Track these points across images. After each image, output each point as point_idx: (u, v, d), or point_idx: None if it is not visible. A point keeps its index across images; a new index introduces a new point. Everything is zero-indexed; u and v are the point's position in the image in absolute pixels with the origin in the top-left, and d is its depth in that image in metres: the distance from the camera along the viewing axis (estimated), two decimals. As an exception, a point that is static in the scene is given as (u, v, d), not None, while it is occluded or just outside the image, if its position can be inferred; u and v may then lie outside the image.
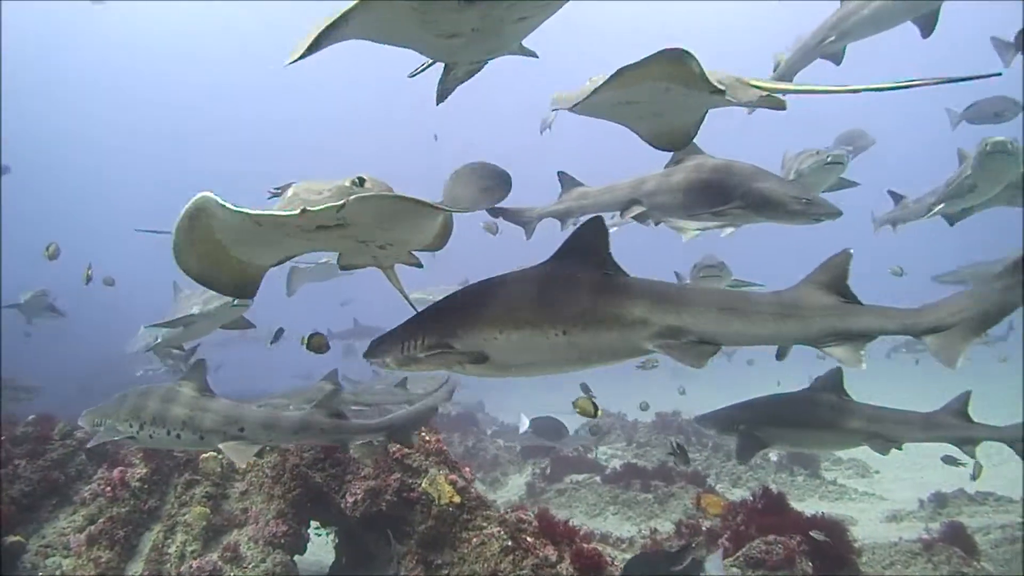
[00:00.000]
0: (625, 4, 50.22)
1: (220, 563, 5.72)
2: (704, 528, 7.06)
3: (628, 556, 6.37)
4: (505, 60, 3.78)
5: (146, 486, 6.44)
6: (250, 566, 5.74)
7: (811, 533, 5.70)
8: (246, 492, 6.62)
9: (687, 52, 3.40)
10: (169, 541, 6.01)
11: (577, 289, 3.19)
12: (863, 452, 12.82)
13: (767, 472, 11.58)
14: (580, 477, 11.62)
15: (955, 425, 5.37)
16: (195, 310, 7.39)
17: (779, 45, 7.86)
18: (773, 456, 12.49)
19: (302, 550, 6.33)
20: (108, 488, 6.31)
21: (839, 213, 4.74)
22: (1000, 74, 3.59)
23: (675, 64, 3.50)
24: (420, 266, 4.15)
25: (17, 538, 5.91)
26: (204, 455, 6.83)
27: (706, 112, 4.38)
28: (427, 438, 6.19)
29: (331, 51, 3.16)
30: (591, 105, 4.05)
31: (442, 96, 3.85)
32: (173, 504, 6.34)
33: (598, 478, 11.35)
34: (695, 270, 7.24)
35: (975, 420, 5.50)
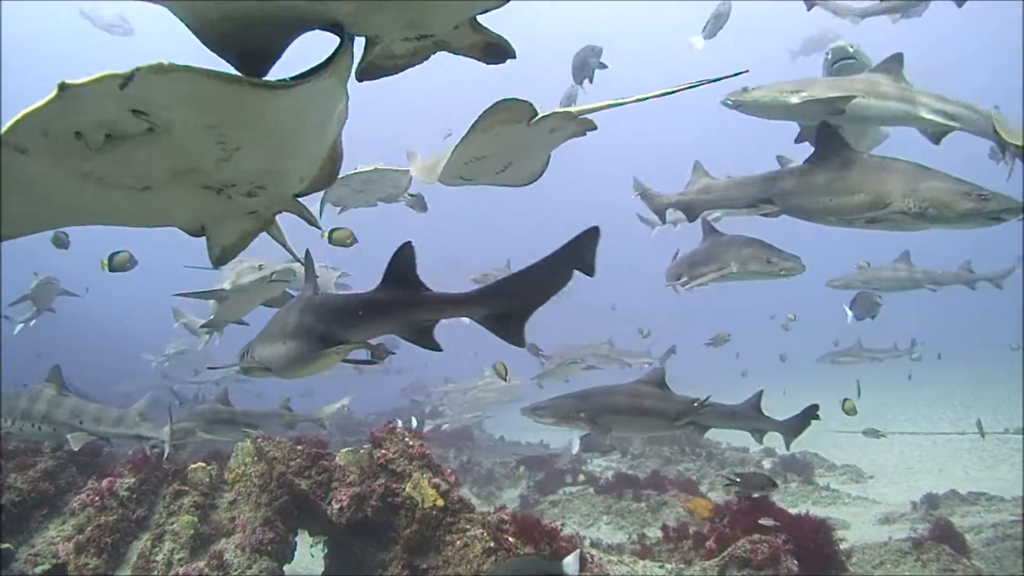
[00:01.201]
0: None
1: (207, 570, 5.77)
2: (691, 532, 7.09)
3: (613, 558, 6.39)
4: (522, 55, 3.23)
5: (134, 495, 6.51)
6: (236, 572, 5.78)
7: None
8: (234, 502, 6.67)
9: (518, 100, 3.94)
10: (157, 549, 6.05)
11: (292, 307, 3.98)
12: (857, 458, 12.98)
13: (761, 480, 11.57)
14: (573, 489, 11.64)
15: (751, 417, 5.90)
16: (226, 285, 7.15)
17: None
18: (766, 464, 12.53)
19: (289, 558, 6.36)
20: (96, 498, 6.37)
21: (1021, 208, 4.34)
22: (747, 71, 3.95)
23: (515, 107, 3.96)
24: (316, 225, 3.71)
25: (6, 545, 5.97)
26: (192, 466, 6.91)
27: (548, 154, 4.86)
28: (410, 443, 6.25)
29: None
30: (453, 172, 4.50)
31: (365, 73, 2.87)
32: (161, 513, 6.40)
33: (591, 489, 11.36)
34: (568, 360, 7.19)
35: (765, 414, 6.12)
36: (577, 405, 5.40)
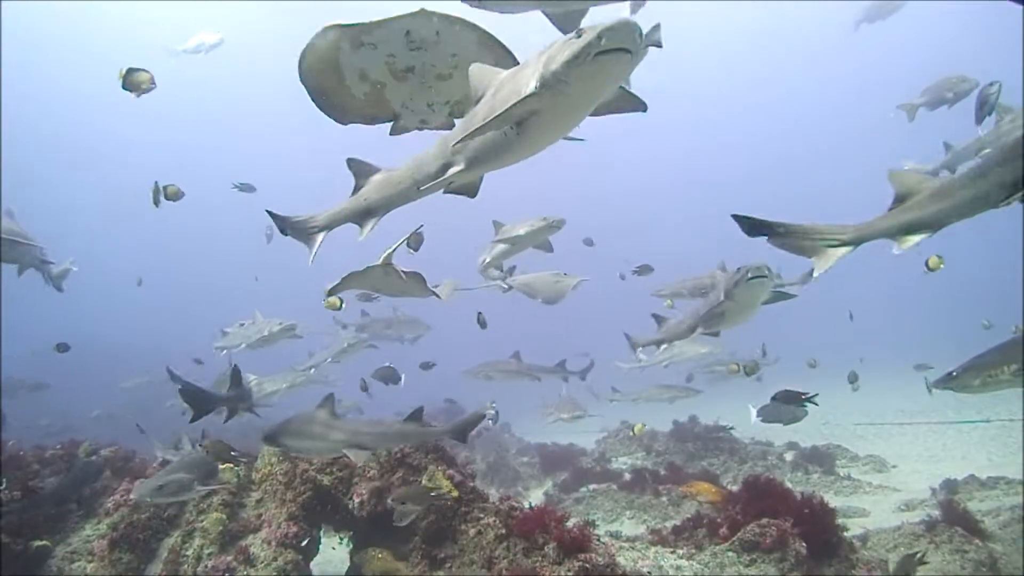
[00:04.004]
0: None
1: (234, 563, 6.03)
2: (705, 521, 7.22)
3: (625, 544, 6.55)
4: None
5: (165, 495, 6.81)
6: (262, 565, 6.03)
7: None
8: (261, 500, 6.94)
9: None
10: (187, 545, 6.33)
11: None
12: (880, 449, 12.96)
13: (783, 472, 11.64)
14: (597, 486, 11.78)
15: (414, 431, 6.11)
16: (521, 231, 6.06)
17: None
18: (788, 456, 12.57)
19: (314, 552, 6.60)
20: (129, 498, 6.68)
21: None
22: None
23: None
24: None
25: (43, 543, 6.32)
26: (221, 467, 7.19)
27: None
28: (425, 438, 6.47)
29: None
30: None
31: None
32: (191, 512, 6.67)
33: (615, 486, 11.50)
34: (740, 272, 6.67)
35: (427, 424, 6.41)
36: (271, 435, 5.78)
